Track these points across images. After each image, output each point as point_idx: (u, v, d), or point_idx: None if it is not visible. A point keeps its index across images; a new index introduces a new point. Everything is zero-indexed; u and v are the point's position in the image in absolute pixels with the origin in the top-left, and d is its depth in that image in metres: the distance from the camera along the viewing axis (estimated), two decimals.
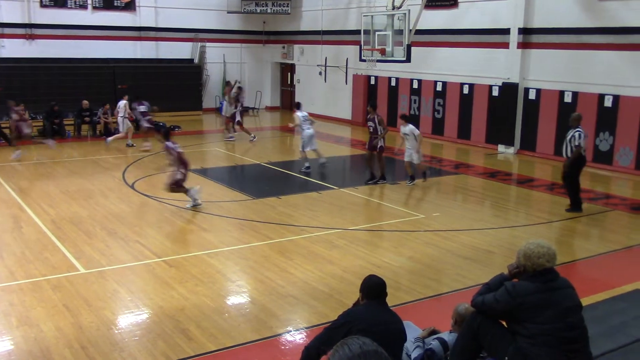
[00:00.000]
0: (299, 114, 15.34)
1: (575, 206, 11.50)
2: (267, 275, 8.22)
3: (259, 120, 25.91)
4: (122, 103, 18.49)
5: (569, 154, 11.27)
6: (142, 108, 18.61)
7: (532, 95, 17.57)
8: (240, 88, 21.16)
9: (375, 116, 13.67)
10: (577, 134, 11.15)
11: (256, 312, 7.12)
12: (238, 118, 19.64)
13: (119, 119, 18.55)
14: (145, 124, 18.41)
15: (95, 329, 6.57)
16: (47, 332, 6.46)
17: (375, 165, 13.81)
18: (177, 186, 11.41)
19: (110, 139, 18.28)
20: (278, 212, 11.45)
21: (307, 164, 14.97)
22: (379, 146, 13.56)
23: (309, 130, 15.03)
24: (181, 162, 11.40)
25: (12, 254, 8.94)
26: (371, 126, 13.75)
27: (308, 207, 11.87)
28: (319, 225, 10.58)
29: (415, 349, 4.92)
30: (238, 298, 7.73)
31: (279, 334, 6.61)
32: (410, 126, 13.51)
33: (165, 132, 12.03)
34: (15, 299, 7.34)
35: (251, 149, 18.52)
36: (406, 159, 13.66)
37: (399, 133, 13.90)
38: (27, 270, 8.26)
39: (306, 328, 6.71)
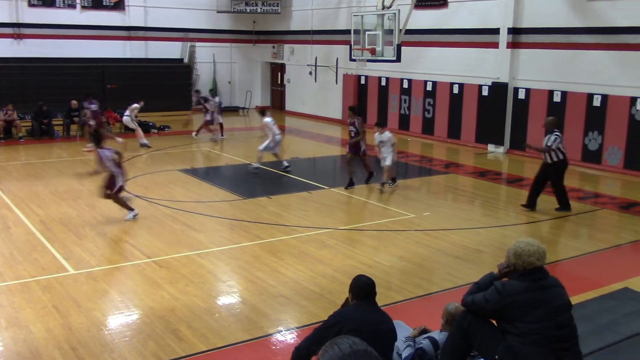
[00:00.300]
0: (269, 120, 14.85)
1: (564, 205, 11.55)
2: (257, 275, 8.21)
3: (249, 120, 25.87)
4: (134, 105, 18.43)
5: (550, 159, 11.30)
6: (92, 107, 18.50)
7: (521, 94, 17.65)
8: (196, 91, 20.68)
9: (356, 120, 13.28)
10: (553, 137, 11.17)
11: (247, 312, 7.11)
12: (207, 118, 19.44)
13: (126, 119, 18.39)
14: (93, 124, 18.11)
15: (86, 330, 6.54)
16: (37, 334, 6.42)
17: (356, 171, 13.41)
18: (113, 192, 10.49)
19: (144, 141, 18.18)
20: (268, 212, 11.43)
21: (285, 163, 14.89)
22: (362, 150, 13.22)
23: (279, 136, 14.81)
24: (118, 170, 10.49)
25: (0, 255, 8.88)
26: (352, 130, 13.31)
27: (299, 207, 11.86)
28: (310, 225, 10.57)
29: (406, 348, 4.93)
30: (229, 298, 7.71)
31: (270, 334, 6.61)
32: (387, 133, 13.03)
33: (97, 138, 10.90)
34: (4, 300, 7.29)
35: (241, 148, 18.47)
36: (382, 164, 13.12)
37: (374, 140, 13.21)
38: (16, 271, 8.20)
39: (297, 328, 6.71)
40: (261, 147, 14.83)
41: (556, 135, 11.20)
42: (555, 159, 11.23)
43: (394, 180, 13.33)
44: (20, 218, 10.75)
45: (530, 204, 11.58)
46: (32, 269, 8.28)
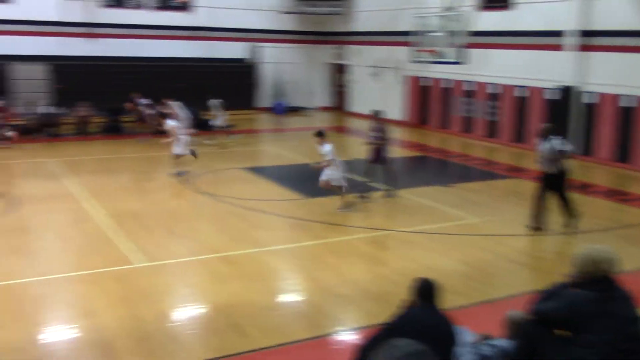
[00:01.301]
0: (173, 122, 14.66)
1: (574, 216, 10.58)
2: (318, 274, 8.31)
3: (311, 120, 26.05)
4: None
5: (556, 168, 10.18)
6: None
7: (589, 99, 17.17)
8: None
9: (380, 124, 12.75)
10: (558, 141, 10.12)
11: (308, 310, 7.22)
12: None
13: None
14: None
15: (153, 321, 6.78)
16: (108, 323, 6.69)
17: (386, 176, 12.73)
18: None
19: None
20: (329, 212, 11.51)
21: (180, 170, 14.45)
22: (382, 157, 12.50)
23: (184, 136, 14.59)
24: None
25: (74, 246, 9.31)
26: (375, 136, 12.68)
27: (360, 208, 11.89)
28: (372, 227, 10.61)
29: (468, 354, 4.92)
30: (290, 296, 7.85)
31: (330, 333, 6.69)
32: (327, 145, 11.45)
33: None
34: (77, 291, 7.64)
35: (299, 147, 18.62)
36: (324, 177, 11.54)
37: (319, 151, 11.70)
38: (88, 263, 8.55)
39: (357, 328, 6.77)
40: (175, 151, 14.42)
41: (556, 139, 10.22)
42: (560, 167, 10.21)
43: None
44: (91, 212, 11.18)
45: (540, 222, 10.51)
46: (103, 261, 8.61)
